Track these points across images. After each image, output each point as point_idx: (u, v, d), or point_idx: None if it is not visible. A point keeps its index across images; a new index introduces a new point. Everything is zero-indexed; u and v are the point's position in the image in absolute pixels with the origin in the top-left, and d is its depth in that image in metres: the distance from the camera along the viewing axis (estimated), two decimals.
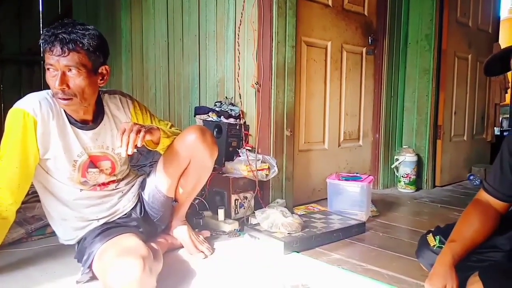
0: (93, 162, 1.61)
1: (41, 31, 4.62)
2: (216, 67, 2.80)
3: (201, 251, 1.85)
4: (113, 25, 3.82)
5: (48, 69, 1.43)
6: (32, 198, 2.02)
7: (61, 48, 1.39)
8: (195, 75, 2.98)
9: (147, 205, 1.81)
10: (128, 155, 1.47)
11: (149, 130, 1.54)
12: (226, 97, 2.70)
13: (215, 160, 1.82)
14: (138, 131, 1.47)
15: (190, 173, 1.79)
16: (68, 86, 1.43)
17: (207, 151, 1.74)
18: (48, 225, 1.80)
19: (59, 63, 1.41)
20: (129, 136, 1.44)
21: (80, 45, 1.42)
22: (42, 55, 4.88)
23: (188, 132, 1.74)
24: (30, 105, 1.47)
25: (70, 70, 1.43)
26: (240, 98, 2.62)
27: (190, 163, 1.77)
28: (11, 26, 4.57)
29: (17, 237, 1.93)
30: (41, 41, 1.42)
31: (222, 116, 2.55)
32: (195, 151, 1.73)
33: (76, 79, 1.44)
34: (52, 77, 1.43)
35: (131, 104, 1.73)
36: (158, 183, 1.79)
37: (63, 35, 1.39)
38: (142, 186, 1.84)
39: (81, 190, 1.61)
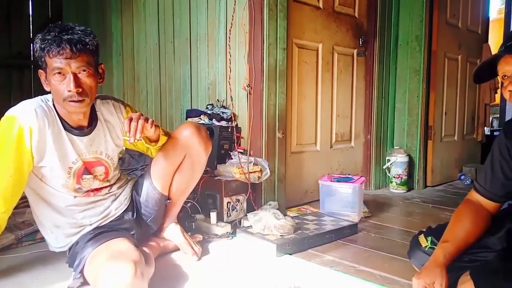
0: (87, 168, 1.60)
1: (31, 35, 4.63)
2: (207, 69, 2.80)
3: (195, 251, 1.85)
4: (104, 28, 3.79)
5: (54, 74, 1.41)
6: (22, 203, 1.97)
7: (71, 50, 1.38)
8: (187, 78, 2.97)
9: (141, 204, 1.81)
10: (137, 140, 1.50)
11: (153, 122, 1.59)
12: (217, 99, 2.70)
13: (208, 155, 1.86)
14: (146, 119, 1.52)
15: (185, 168, 1.82)
16: (81, 87, 1.43)
17: (202, 145, 1.79)
18: (38, 230, 1.78)
19: (70, 66, 1.41)
20: (137, 123, 1.48)
21: (86, 45, 1.42)
22: (32, 58, 4.86)
23: (184, 127, 1.80)
24: (25, 113, 1.44)
25: (81, 71, 1.43)
26: (232, 100, 2.61)
27: (185, 158, 1.80)
28: (1, 30, 4.52)
29: (7, 243, 1.91)
30: (44, 46, 1.39)
31: (213, 119, 2.55)
32: (190, 145, 1.77)
33: (87, 80, 1.46)
34: (61, 82, 1.42)
35: (124, 109, 1.74)
36: (153, 181, 1.80)
37: (69, 37, 1.38)
38: (135, 187, 1.84)
39: (75, 197, 1.60)
